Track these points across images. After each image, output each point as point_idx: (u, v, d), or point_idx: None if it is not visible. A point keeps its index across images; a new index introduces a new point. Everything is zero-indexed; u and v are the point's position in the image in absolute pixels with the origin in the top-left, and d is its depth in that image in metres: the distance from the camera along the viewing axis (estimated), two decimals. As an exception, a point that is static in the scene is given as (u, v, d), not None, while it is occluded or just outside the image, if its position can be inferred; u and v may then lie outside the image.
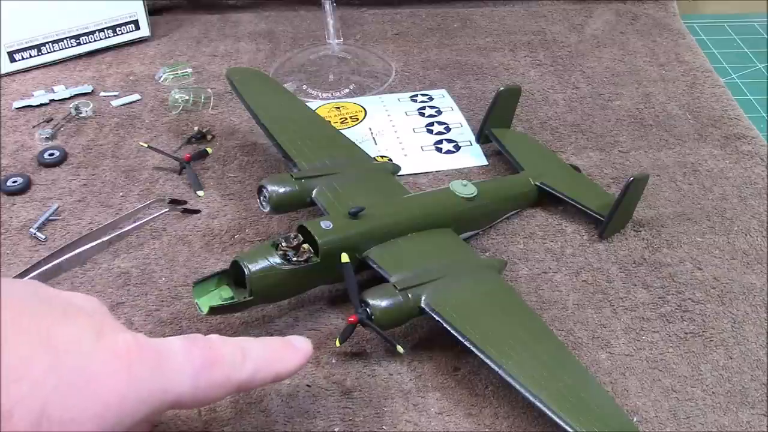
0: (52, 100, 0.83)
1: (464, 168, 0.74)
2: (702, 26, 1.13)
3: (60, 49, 0.90)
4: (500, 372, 0.49)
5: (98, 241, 0.62)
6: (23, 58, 0.88)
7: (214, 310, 0.52)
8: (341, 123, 0.79)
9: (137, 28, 0.94)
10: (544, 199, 0.69)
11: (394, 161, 0.74)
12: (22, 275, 0.59)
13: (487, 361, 0.49)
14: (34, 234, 0.65)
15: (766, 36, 1.12)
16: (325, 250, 0.54)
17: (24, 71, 0.88)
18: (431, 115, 0.82)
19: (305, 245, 0.54)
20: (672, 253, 0.65)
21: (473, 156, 0.76)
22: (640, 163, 0.75)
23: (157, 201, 0.67)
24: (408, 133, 0.79)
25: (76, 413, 0.33)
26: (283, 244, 0.54)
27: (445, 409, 0.52)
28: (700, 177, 0.74)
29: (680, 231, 0.67)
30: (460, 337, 0.51)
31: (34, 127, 0.79)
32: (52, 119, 0.80)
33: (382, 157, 0.75)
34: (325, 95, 0.85)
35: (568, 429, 0.46)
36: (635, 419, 0.51)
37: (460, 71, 0.90)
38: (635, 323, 0.58)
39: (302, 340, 0.46)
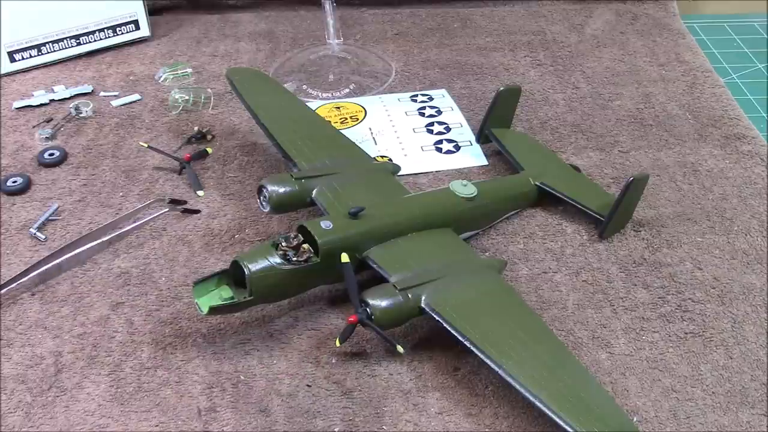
0: (52, 100, 0.83)
1: (464, 168, 0.74)
2: (702, 26, 1.13)
3: (60, 49, 0.90)
4: (500, 372, 0.49)
5: (98, 241, 0.62)
6: (23, 58, 0.88)
7: (214, 310, 0.52)
8: (341, 123, 0.79)
9: (137, 28, 0.94)
10: (544, 199, 0.69)
11: (394, 161, 0.74)
12: (22, 275, 0.59)
13: (487, 361, 0.49)
14: (34, 234, 0.65)
15: (766, 36, 1.12)
16: (325, 250, 0.54)
17: (24, 71, 0.88)
18: (431, 115, 0.82)
19: (305, 245, 0.54)
20: (672, 253, 0.65)
21: (473, 156, 0.76)
22: (640, 163, 0.75)
23: (157, 201, 0.67)
24: (408, 133, 0.79)
25: None
26: (283, 244, 0.54)
27: (445, 409, 0.52)
28: (700, 177, 0.74)
29: (680, 231, 0.67)
30: (460, 337, 0.51)
31: (34, 127, 0.79)
32: (52, 119, 0.80)
33: (382, 157, 0.75)
34: (325, 95, 0.85)
35: (568, 429, 0.46)
36: (635, 419, 0.51)
37: (460, 71, 0.90)
38: (635, 323, 0.58)
39: None
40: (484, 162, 0.75)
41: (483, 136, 0.76)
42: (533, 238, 0.66)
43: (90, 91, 0.85)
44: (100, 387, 0.53)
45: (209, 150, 0.74)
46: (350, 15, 1.01)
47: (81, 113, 0.80)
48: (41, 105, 0.82)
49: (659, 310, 0.59)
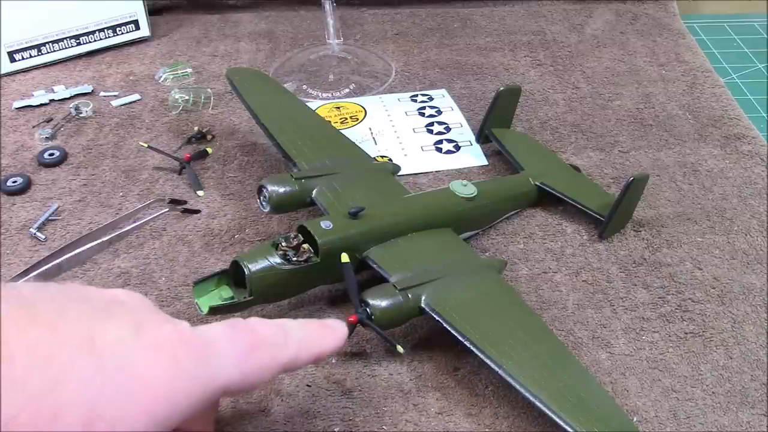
0: (52, 100, 0.83)
1: (464, 168, 0.74)
2: (702, 26, 1.13)
3: (60, 49, 0.90)
4: (500, 372, 0.49)
5: (98, 241, 0.62)
6: (23, 58, 0.88)
7: (214, 310, 0.52)
8: (341, 123, 0.79)
9: (137, 28, 0.94)
10: (544, 199, 0.69)
11: (394, 161, 0.74)
12: (22, 275, 0.59)
13: (487, 361, 0.49)
14: (34, 234, 0.65)
15: (766, 36, 1.12)
16: (325, 250, 0.54)
17: (24, 71, 0.88)
18: (431, 115, 0.82)
19: (305, 245, 0.54)
20: (672, 253, 0.65)
21: (473, 156, 0.76)
22: (640, 163, 0.75)
23: (157, 201, 0.67)
24: (408, 133, 0.79)
25: (126, 411, 0.33)
26: (283, 244, 0.54)
27: (445, 409, 0.52)
28: (700, 177, 0.74)
29: (680, 231, 0.67)
30: (460, 337, 0.51)
31: (34, 127, 0.79)
32: (52, 119, 0.80)
33: (382, 157, 0.75)
34: (325, 95, 0.85)
35: (568, 429, 0.46)
36: (635, 419, 0.51)
37: (460, 71, 0.90)
38: (635, 323, 0.58)
39: (337, 322, 0.45)
40: (484, 162, 0.75)
41: (483, 136, 0.76)
42: (533, 238, 0.66)
43: (90, 91, 0.85)
44: (100, 387, 0.53)
45: (209, 150, 0.74)
46: (350, 15, 1.01)
47: (81, 113, 0.80)
48: (41, 105, 0.82)
49: (659, 310, 0.59)
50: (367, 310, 0.52)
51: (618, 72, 0.90)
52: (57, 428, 0.31)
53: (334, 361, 0.55)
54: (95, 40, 0.91)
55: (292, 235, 0.54)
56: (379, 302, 0.52)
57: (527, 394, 0.47)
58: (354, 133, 0.75)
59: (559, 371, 0.50)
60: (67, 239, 0.64)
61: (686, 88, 0.87)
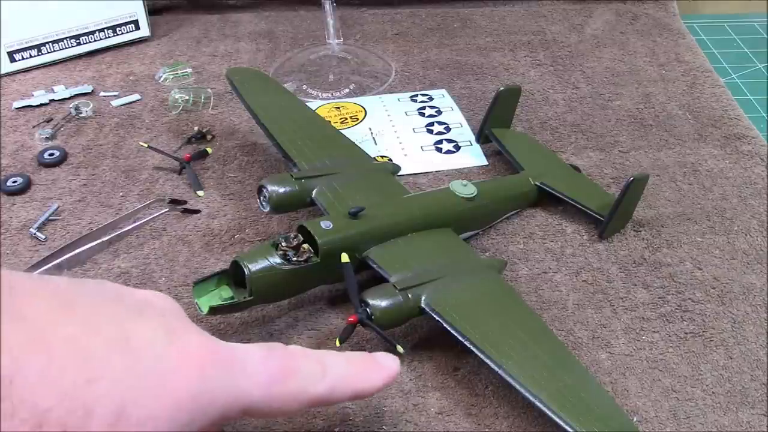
0: (52, 100, 0.83)
1: (464, 168, 0.74)
2: (702, 26, 1.13)
3: (60, 49, 0.90)
4: (500, 372, 0.49)
5: (98, 241, 0.62)
6: (23, 58, 0.88)
7: (214, 310, 0.52)
8: (341, 123, 0.79)
9: (137, 28, 0.94)
10: (544, 199, 0.69)
11: (394, 161, 0.74)
12: (22, 275, 0.59)
13: (487, 361, 0.49)
14: (34, 234, 0.65)
15: (766, 36, 1.12)
16: (325, 250, 0.54)
17: (24, 71, 0.88)
18: (431, 115, 0.82)
19: (305, 245, 0.54)
20: (672, 253, 0.65)
21: (473, 156, 0.76)
22: (640, 163, 0.75)
23: (157, 201, 0.67)
24: (408, 133, 0.79)
25: (152, 412, 0.33)
26: (283, 244, 0.54)
27: (445, 409, 0.52)
28: (700, 177, 0.74)
29: (680, 231, 0.67)
30: (460, 337, 0.51)
31: (34, 127, 0.79)
32: (52, 119, 0.80)
33: (382, 157, 0.75)
34: (325, 95, 0.85)
35: (568, 429, 0.46)
36: (635, 419, 0.51)
37: (460, 71, 0.90)
38: (635, 323, 0.58)
39: (389, 357, 0.44)
40: (484, 162, 0.75)
41: (483, 136, 0.76)
42: (533, 238, 0.66)
43: (90, 91, 0.85)
44: (100, 387, 0.53)
45: (209, 150, 0.74)
46: (350, 15, 1.01)
47: (81, 113, 0.80)
48: (41, 105, 0.82)
49: (659, 310, 0.59)
50: (367, 310, 0.52)
51: (618, 72, 0.90)
52: (87, 424, 0.31)
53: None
54: (95, 40, 0.91)
55: (292, 235, 0.54)
56: (379, 302, 0.52)
57: (527, 394, 0.47)
58: (354, 133, 0.75)
59: (559, 371, 0.50)
60: (67, 239, 0.64)
61: (686, 88, 0.87)
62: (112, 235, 0.63)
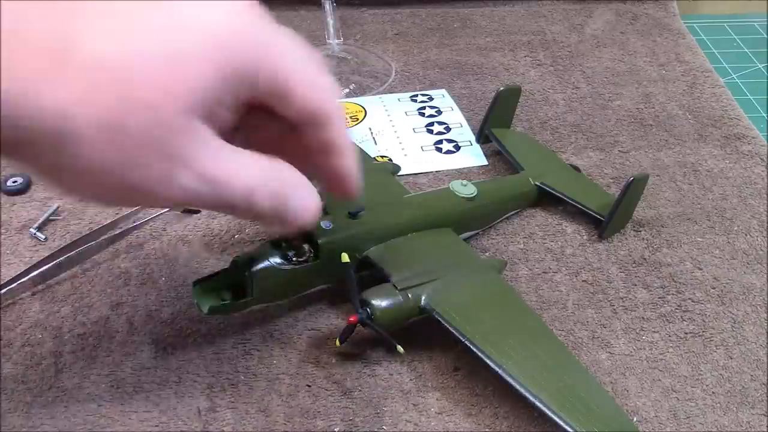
0: (52, 100, 0.83)
1: (464, 168, 0.75)
2: (702, 26, 1.13)
3: (60, 49, 0.89)
4: (500, 372, 0.49)
5: (98, 241, 0.62)
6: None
7: (214, 310, 0.52)
8: (341, 123, 0.79)
9: (137, 28, 0.93)
10: (544, 199, 0.69)
11: (394, 161, 0.74)
12: (22, 275, 0.59)
13: (487, 361, 0.49)
14: (34, 234, 0.65)
15: (766, 36, 1.12)
16: (326, 250, 0.54)
17: (24, 71, 0.88)
18: (431, 115, 0.82)
19: (305, 245, 0.54)
20: (672, 253, 0.65)
21: (473, 156, 0.76)
22: (640, 163, 0.75)
23: (157, 201, 0.67)
24: (408, 133, 0.79)
25: (195, 55, 0.35)
26: (283, 244, 0.54)
27: (445, 409, 0.52)
28: (700, 177, 0.74)
29: (680, 231, 0.67)
30: (460, 337, 0.51)
31: None
32: (52, 119, 0.80)
33: (382, 157, 0.75)
34: (325, 95, 0.85)
35: (568, 429, 0.46)
36: (635, 419, 0.51)
37: (460, 71, 0.90)
38: (635, 323, 0.58)
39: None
40: (484, 162, 0.75)
41: (483, 136, 0.76)
42: (533, 238, 0.66)
43: (90, 91, 0.84)
44: (100, 387, 0.53)
45: (209, 150, 0.74)
46: (350, 15, 1.01)
47: (81, 113, 0.80)
48: (41, 105, 0.82)
49: (659, 310, 0.59)
50: (368, 310, 0.52)
51: (618, 72, 0.90)
52: (144, 68, 0.33)
53: (334, 361, 0.55)
54: (95, 40, 0.91)
55: (292, 235, 0.54)
56: (379, 302, 0.52)
57: (527, 394, 0.47)
58: (354, 134, 0.75)
59: (559, 371, 0.50)
60: (67, 239, 0.64)
61: (686, 88, 0.87)
62: (112, 235, 0.63)
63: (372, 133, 0.79)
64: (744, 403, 0.52)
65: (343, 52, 0.93)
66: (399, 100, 0.85)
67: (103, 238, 0.63)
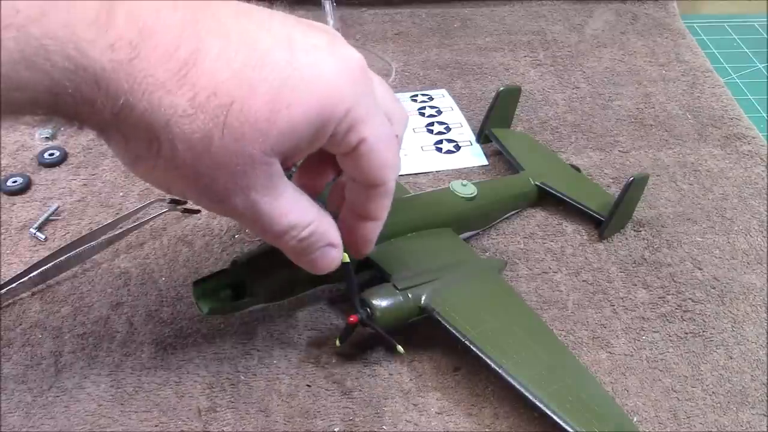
0: (52, 100, 0.83)
1: (464, 168, 0.74)
2: (702, 26, 1.13)
3: (60, 49, 0.89)
4: (500, 372, 0.49)
5: (98, 241, 0.62)
6: (23, 58, 0.88)
7: (214, 311, 0.52)
8: (341, 123, 0.79)
9: (137, 28, 0.93)
10: (545, 199, 0.69)
11: (394, 161, 0.73)
12: (22, 275, 0.59)
13: (487, 361, 0.49)
14: (34, 234, 0.65)
15: (766, 36, 1.11)
16: None
17: (24, 71, 0.88)
18: (431, 115, 0.82)
19: None
20: (672, 253, 0.65)
21: (473, 156, 0.76)
22: (640, 163, 0.75)
23: (157, 201, 0.67)
24: (408, 133, 0.79)
25: (302, 99, 0.38)
26: None
27: (445, 409, 0.52)
28: (700, 177, 0.74)
29: (680, 231, 0.67)
30: (460, 337, 0.51)
31: (34, 127, 0.79)
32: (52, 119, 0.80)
33: (382, 157, 0.75)
34: (325, 95, 0.85)
35: (569, 429, 0.46)
36: (635, 419, 0.51)
37: (460, 71, 0.90)
38: (635, 323, 0.58)
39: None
40: (485, 162, 0.75)
41: (483, 136, 0.76)
42: (533, 238, 0.66)
43: (90, 91, 0.84)
44: (100, 387, 0.53)
45: (209, 150, 0.74)
46: (350, 15, 1.01)
47: (81, 113, 0.80)
48: (41, 105, 0.82)
49: (659, 310, 0.59)
50: (368, 310, 0.52)
51: (618, 72, 0.90)
52: (250, 97, 0.36)
53: (334, 361, 0.55)
54: (95, 40, 0.91)
55: None
56: (379, 302, 0.52)
57: (527, 394, 0.47)
58: (354, 133, 0.75)
59: (559, 371, 0.50)
60: (67, 239, 0.64)
61: (686, 88, 0.87)
62: (112, 235, 0.63)
63: (372, 133, 0.78)
64: (744, 403, 0.52)
65: (343, 52, 0.92)
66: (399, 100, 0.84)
67: (103, 238, 0.63)
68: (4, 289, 0.58)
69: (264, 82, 0.37)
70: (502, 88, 0.73)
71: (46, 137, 0.77)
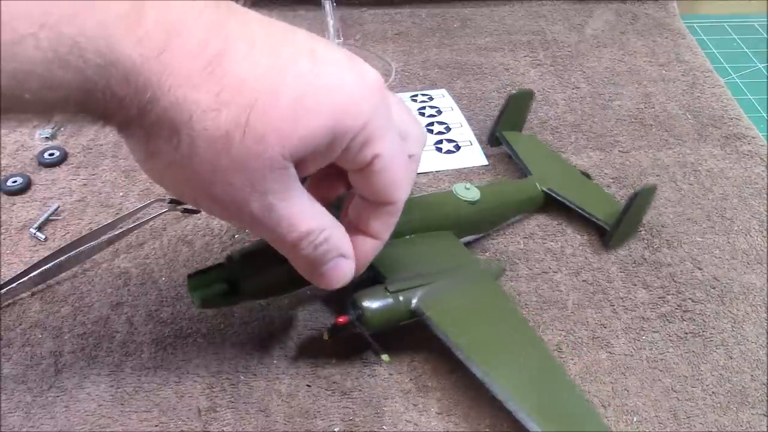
0: (52, 100, 0.83)
1: (464, 168, 0.74)
2: (702, 26, 1.13)
3: (60, 49, 0.89)
4: (485, 381, 0.48)
5: (98, 241, 0.62)
6: (23, 58, 0.88)
7: (206, 303, 0.52)
8: (341, 123, 0.79)
9: (137, 28, 0.93)
10: (551, 205, 0.68)
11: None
12: (22, 275, 0.59)
13: (473, 370, 0.49)
14: (34, 234, 0.65)
15: (766, 36, 1.11)
16: None
17: (24, 71, 0.88)
18: (431, 115, 0.82)
19: None
20: (672, 253, 0.65)
21: (473, 156, 0.76)
22: (640, 163, 0.75)
23: (157, 201, 0.67)
24: (408, 133, 0.79)
25: (321, 107, 0.38)
26: None
27: (445, 409, 0.52)
28: (700, 177, 0.74)
29: (680, 231, 0.67)
30: (448, 343, 0.50)
31: (34, 127, 0.79)
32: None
33: (382, 157, 0.74)
34: (325, 95, 0.85)
35: None
36: (635, 419, 0.51)
37: (460, 71, 0.90)
38: (635, 323, 0.58)
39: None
40: (485, 162, 0.75)
41: (494, 139, 0.75)
42: (533, 238, 0.66)
43: (90, 91, 0.84)
44: (100, 387, 0.53)
45: (209, 150, 0.74)
46: (350, 15, 1.01)
47: (81, 113, 0.80)
48: (41, 105, 0.82)
49: (659, 310, 0.59)
50: (358, 311, 0.51)
51: (618, 72, 0.90)
52: (273, 102, 0.37)
53: (334, 361, 0.55)
54: (95, 40, 0.91)
55: None
56: (369, 304, 0.51)
57: (510, 406, 0.47)
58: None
59: (545, 384, 0.49)
60: (67, 239, 0.64)
61: (686, 88, 0.88)
62: (112, 235, 0.63)
63: (372, 133, 0.78)
64: (744, 403, 0.52)
65: (343, 52, 0.92)
66: (399, 100, 0.84)
67: (103, 238, 0.63)
68: (4, 289, 0.58)
69: (287, 87, 0.37)
70: (514, 92, 0.72)
71: (46, 137, 0.77)
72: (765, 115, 0.93)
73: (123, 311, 0.58)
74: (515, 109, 0.74)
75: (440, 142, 0.78)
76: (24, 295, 0.60)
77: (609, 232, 0.64)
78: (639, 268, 0.63)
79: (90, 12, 0.33)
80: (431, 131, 0.79)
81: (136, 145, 0.39)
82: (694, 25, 1.12)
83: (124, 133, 0.39)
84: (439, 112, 0.83)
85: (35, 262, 0.60)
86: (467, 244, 0.63)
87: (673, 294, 0.61)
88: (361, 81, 0.41)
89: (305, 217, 0.42)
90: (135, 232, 0.65)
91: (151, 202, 0.67)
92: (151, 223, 0.66)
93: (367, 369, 0.54)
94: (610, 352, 0.56)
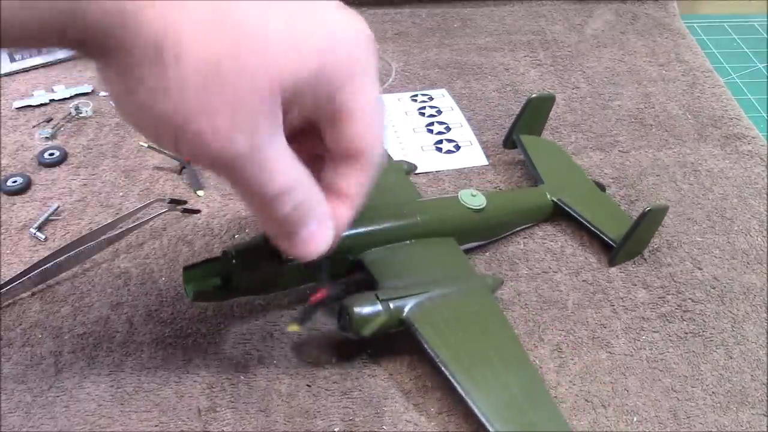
0: (52, 100, 0.83)
1: (464, 168, 0.74)
2: (702, 26, 1.13)
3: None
4: (466, 399, 0.48)
5: (98, 241, 0.62)
6: (23, 58, 0.88)
7: (199, 296, 0.52)
8: (341, 123, 0.79)
9: (137, 28, 0.93)
10: (559, 216, 0.67)
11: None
12: (22, 275, 0.59)
13: (454, 384, 0.49)
14: (34, 234, 0.65)
15: (766, 36, 1.12)
16: None
17: (24, 71, 0.88)
18: (431, 115, 0.82)
19: None
20: (672, 253, 0.65)
21: (473, 156, 0.76)
22: (640, 163, 0.75)
23: (157, 201, 0.67)
24: (408, 133, 0.79)
25: (309, 43, 0.37)
26: None
27: (445, 409, 0.52)
28: (700, 177, 0.74)
29: (680, 231, 0.67)
30: (433, 357, 0.50)
31: (34, 127, 0.79)
32: (52, 119, 0.80)
33: (382, 157, 0.74)
34: (325, 95, 0.85)
35: None
36: (635, 419, 0.51)
37: (460, 71, 0.90)
38: (635, 323, 0.58)
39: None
40: (485, 162, 0.75)
41: (510, 142, 0.75)
42: (533, 238, 0.66)
43: (90, 91, 0.85)
44: (100, 387, 0.53)
45: (209, 150, 0.74)
46: (350, 15, 1.01)
47: (81, 113, 0.80)
48: (41, 105, 0.82)
49: (659, 310, 0.59)
50: (346, 317, 0.51)
51: (618, 72, 0.90)
52: (269, 25, 0.36)
53: (334, 361, 0.55)
54: (95, 40, 0.91)
55: None
56: (359, 310, 0.51)
57: (488, 425, 0.47)
58: (354, 133, 0.75)
59: (526, 406, 0.49)
60: (67, 239, 0.64)
61: (686, 88, 0.88)
62: (112, 235, 0.63)
63: (372, 133, 0.78)
64: (744, 403, 0.52)
65: (343, 52, 0.92)
66: (399, 100, 0.85)
67: (103, 238, 0.63)
68: (4, 289, 0.58)
69: (280, 20, 0.36)
70: (533, 96, 0.71)
71: (46, 137, 0.77)
72: (765, 115, 0.93)
73: (123, 311, 0.58)
74: (534, 112, 0.73)
75: (440, 142, 0.78)
76: (24, 295, 0.60)
77: (615, 249, 0.63)
78: (639, 268, 0.63)
79: None
80: (431, 131, 0.79)
81: (117, 76, 0.36)
82: (694, 25, 1.12)
83: (105, 61, 0.36)
84: (439, 112, 0.83)
85: (35, 262, 0.60)
86: (469, 250, 0.63)
87: (673, 294, 0.61)
88: (357, 29, 0.40)
89: (288, 168, 0.39)
90: (135, 232, 0.65)
91: (151, 202, 0.67)
92: (151, 223, 0.66)
93: (367, 369, 0.54)
94: (610, 352, 0.56)
